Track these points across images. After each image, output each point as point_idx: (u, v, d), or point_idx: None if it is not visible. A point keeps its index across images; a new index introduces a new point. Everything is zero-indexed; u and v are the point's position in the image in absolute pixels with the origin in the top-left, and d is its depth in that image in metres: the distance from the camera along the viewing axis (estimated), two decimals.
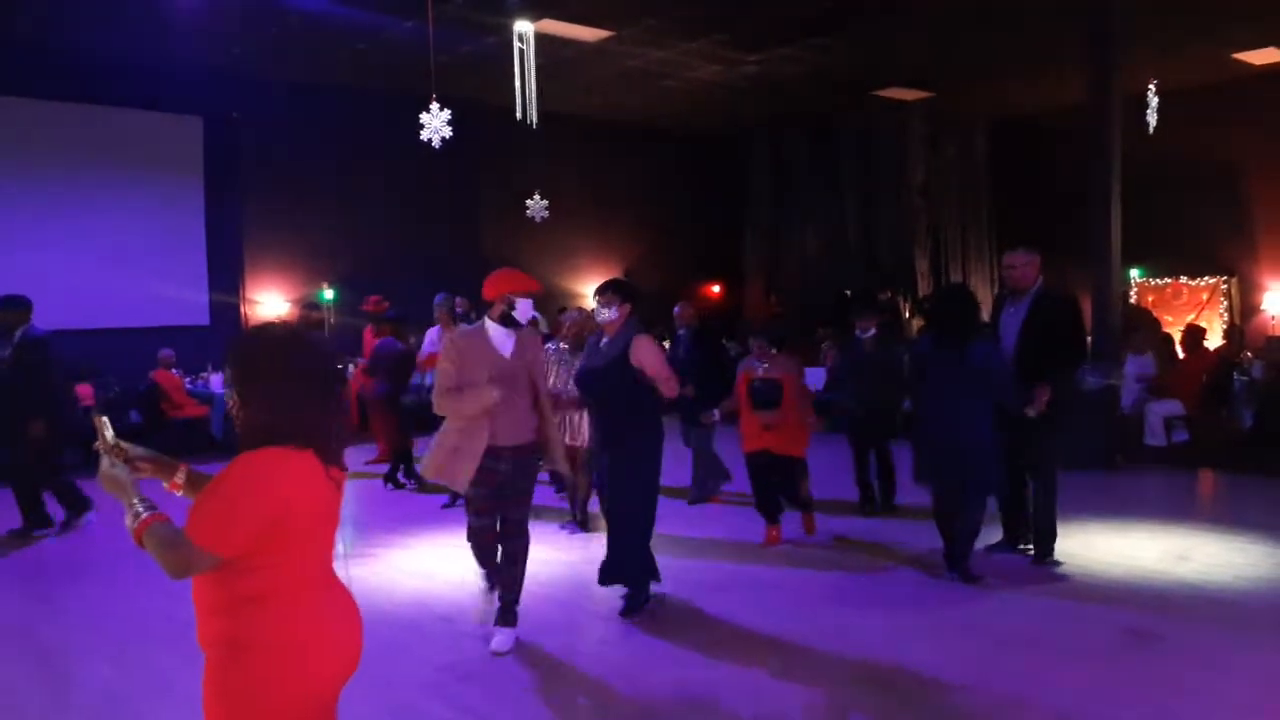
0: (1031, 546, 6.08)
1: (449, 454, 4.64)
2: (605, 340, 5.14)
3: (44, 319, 7.71)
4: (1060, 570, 5.90)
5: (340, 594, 2.29)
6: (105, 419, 2.23)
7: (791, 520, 6.80)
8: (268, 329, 2.30)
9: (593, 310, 5.36)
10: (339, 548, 6.69)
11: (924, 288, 15.28)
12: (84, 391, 10.58)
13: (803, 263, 16.62)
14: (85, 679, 4.59)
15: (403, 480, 9.11)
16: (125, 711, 4.21)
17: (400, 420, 9.14)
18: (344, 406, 2.30)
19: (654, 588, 5.33)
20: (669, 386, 5.00)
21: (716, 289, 17.38)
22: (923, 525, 6.37)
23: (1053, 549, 6.01)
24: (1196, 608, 5.23)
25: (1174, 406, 9.94)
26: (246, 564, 2.09)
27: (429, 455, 4.74)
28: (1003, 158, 15.57)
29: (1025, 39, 11.14)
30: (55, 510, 7.48)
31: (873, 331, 7.51)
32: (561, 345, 7.14)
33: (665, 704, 4.13)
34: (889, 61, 12.37)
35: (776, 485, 6.60)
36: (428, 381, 8.32)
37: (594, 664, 4.60)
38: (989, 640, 4.78)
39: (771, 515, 6.61)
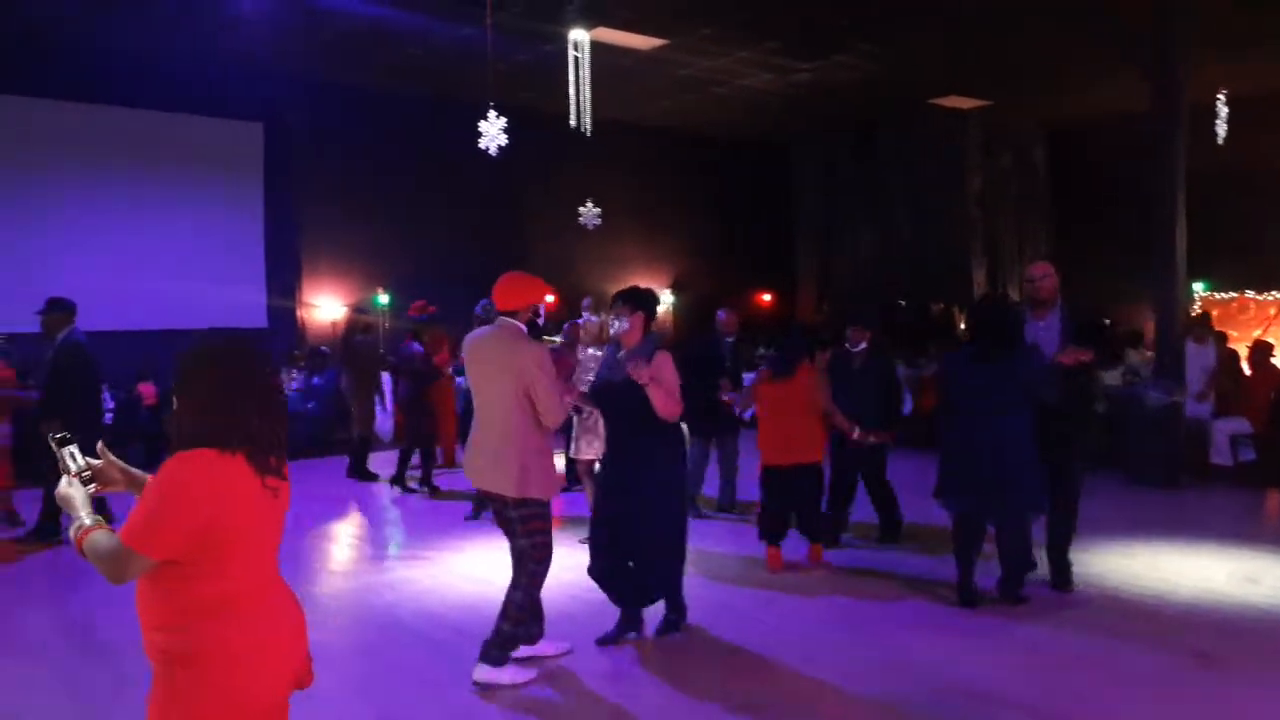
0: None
1: (548, 464, 4.43)
2: (623, 352, 4.86)
3: (107, 320, 7.90)
4: (1127, 591, 5.75)
5: (285, 604, 2.29)
6: (71, 449, 2.24)
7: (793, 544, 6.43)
8: (208, 337, 2.30)
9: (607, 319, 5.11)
10: (389, 549, 6.74)
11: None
12: (146, 390, 10.83)
13: (855, 271, 16.48)
14: (143, 671, 4.65)
15: (412, 486, 9.10)
16: None
17: (418, 422, 9.06)
18: (281, 417, 2.28)
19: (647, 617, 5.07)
20: (671, 405, 4.65)
21: (767, 297, 17.30)
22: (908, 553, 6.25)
23: (1071, 575, 5.78)
24: (1265, 632, 5.06)
25: (1241, 424, 9.66)
26: (186, 573, 2.10)
27: (523, 472, 4.28)
28: (1061, 167, 15.32)
29: (1088, 46, 10.93)
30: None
31: (863, 346, 6.91)
32: (591, 351, 6.92)
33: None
34: (946, 69, 12.23)
35: (792, 502, 6.28)
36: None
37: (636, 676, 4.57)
38: (1050, 662, 4.67)
39: (775, 536, 6.29)
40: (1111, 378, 10.66)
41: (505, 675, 4.35)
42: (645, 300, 4.91)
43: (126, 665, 4.82)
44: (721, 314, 8.18)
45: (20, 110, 11.26)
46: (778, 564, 6.22)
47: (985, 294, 13.65)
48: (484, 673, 4.33)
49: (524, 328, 4.42)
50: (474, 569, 6.45)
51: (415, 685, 4.45)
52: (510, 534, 4.42)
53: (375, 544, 7.47)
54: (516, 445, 4.30)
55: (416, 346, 9.02)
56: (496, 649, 4.34)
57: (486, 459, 4.36)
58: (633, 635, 4.96)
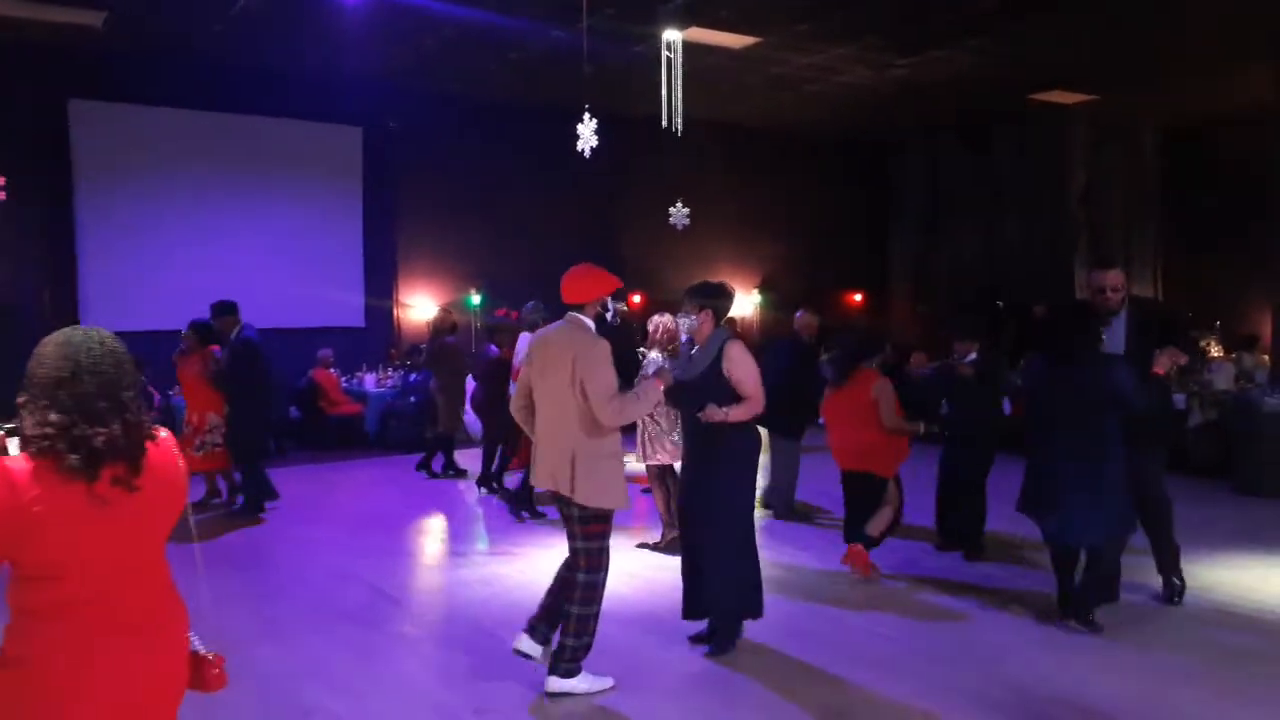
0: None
1: (618, 472, 4.30)
2: (696, 349, 4.79)
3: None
4: (1238, 606, 5.49)
5: (132, 617, 2.12)
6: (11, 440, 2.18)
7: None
8: (57, 333, 2.16)
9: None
10: (478, 545, 6.83)
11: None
12: None
13: (952, 272, 16.10)
14: (247, 657, 4.83)
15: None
16: (286, 689, 4.40)
17: (490, 424, 9.07)
18: (133, 422, 2.12)
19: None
20: (752, 406, 4.57)
21: (858, 298, 17.04)
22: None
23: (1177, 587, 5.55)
24: None
25: None
26: (18, 573, 2.06)
27: (605, 480, 4.21)
28: (1174, 164, 14.70)
29: (1204, 37, 10.47)
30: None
31: (973, 357, 6.67)
32: (655, 354, 6.60)
33: None
34: (1050, 63, 11.84)
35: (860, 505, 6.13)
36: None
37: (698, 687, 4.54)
38: (1155, 677, 4.48)
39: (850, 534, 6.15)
40: (1224, 381, 10.22)
41: (579, 684, 4.28)
42: (715, 292, 4.80)
43: (286, 644, 5.01)
44: (800, 314, 7.93)
45: (139, 118, 11.78)
46: (856, 561, 6.05)
47: (1069, 300, 13.15)
48: (556, 684, 4.27)
49: (590, 322, 4.32)
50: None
51: (510, 679, 4.49)
52: (570, 533, 4.34)
53: (464, 540, 7.58)
54: (582, 448, 4.18)
55: (493, 349, 9.14)
56: (564, 663, 4.27)
57: (552, 459, 4.25)
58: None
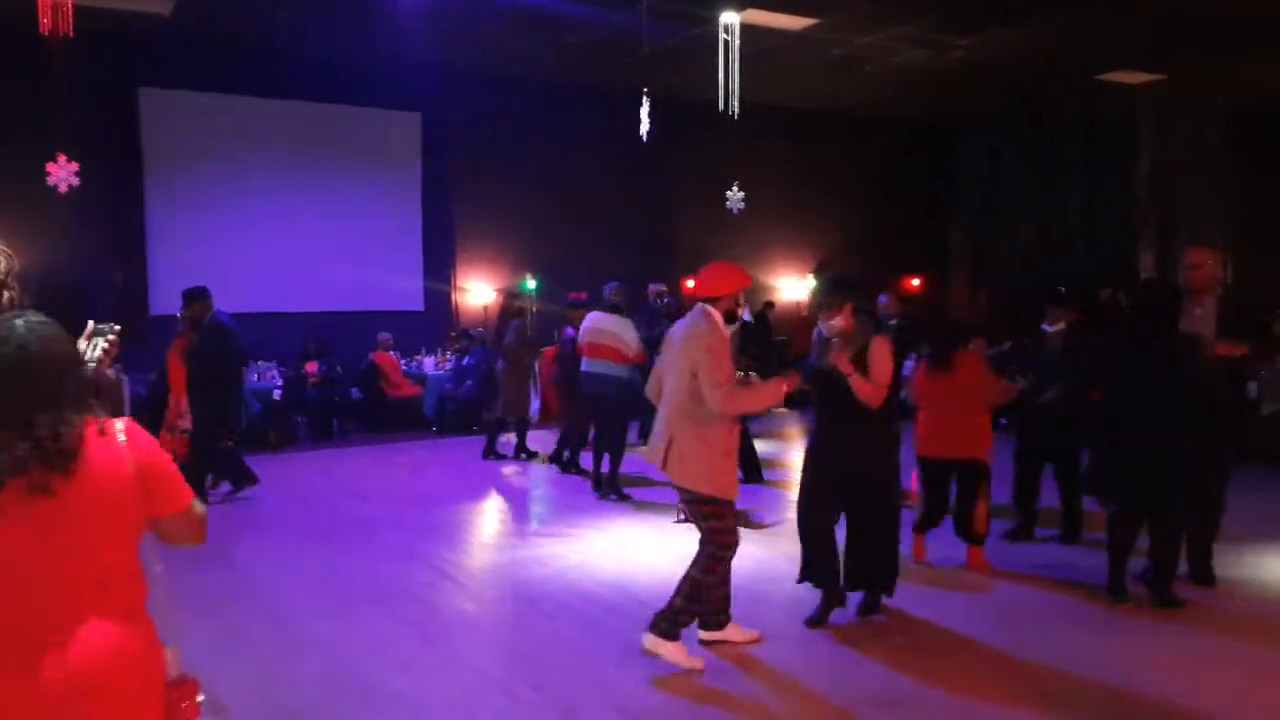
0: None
1: (727, 461, 4.41)
2: (835, 338, 4.81)
3: (278, 301, 8.44)
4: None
5: (18, 654, 1.79)
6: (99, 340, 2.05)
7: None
8: None
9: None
10: (536, 525, 6.89)
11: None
12: (311, 369, 11.44)
13: (1014, 256, 15.81)
14: (311, 633, 4.95)
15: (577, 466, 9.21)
16: (348, 665, 4.51)
17: (569, 405, 9.25)
18: (30, 435, 1.80)
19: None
20: (878, 392, 4.64)
21: (916, 283, 16.81)
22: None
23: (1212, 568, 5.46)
24: None
25: None
26: None
27: (700, 466, 4.32)
28: (1242, 146, 14.26)
29: (1276, 11, 10.12)
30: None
31: (1062, 326, 6.45)
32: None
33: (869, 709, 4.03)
34: (1115, 42, 11.55)
35: (944, 496, 6.03)
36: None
37: (789, 662, 4.55)
38: (1224, 666, 4.39)
39: (922, 528, 6.08)
40: None
41: (670, 650, 4.35)
42: (850, 288, 4.90)
43: (347, 620, 5.13)
44: (883, 298, 7.98)
45: (206, 106, 12.05)
46: (921, 555, 6.01)
47: (1148, 278, 12.86)
48: (650, 641, 4.39)
49: (717, 315, 4.42)
50: (620, 549, 6.54)
51: (569, 659, 4.55)
52: (692, 513, 4.58)
53: (522, 520, 7.67)
54: (687, 430, 4.33)
55: (570, 331, 9.18)
56: (666, 621, 4.37)
57: (674, 451, 4.38)
58: (837, 613, 4.96)
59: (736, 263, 4.85)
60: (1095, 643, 4.70)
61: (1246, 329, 5.36)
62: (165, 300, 11.74)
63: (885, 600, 5.07)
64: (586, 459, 8.82)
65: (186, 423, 8.04)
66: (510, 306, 10.08)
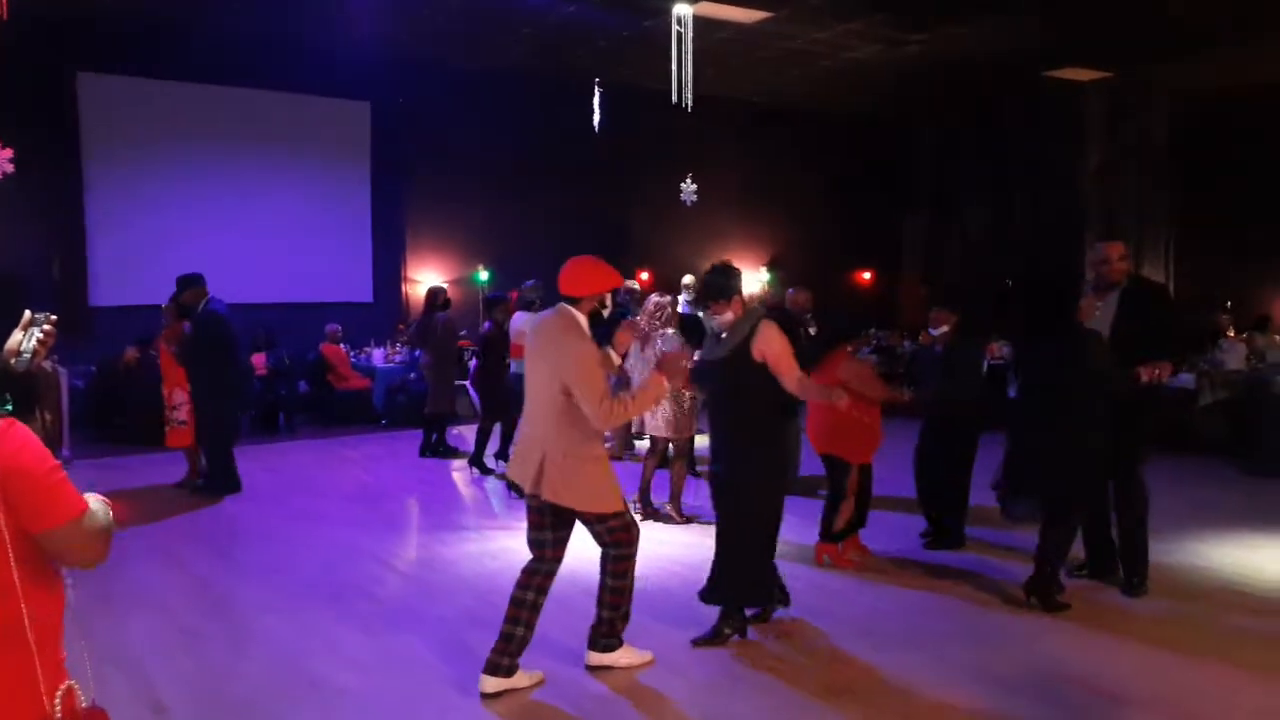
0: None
1: (606, 468, 4.13)
2: (725, 332, 4.60)
3: (223, 292, 8.27)
4: (1248, 587, 5.48)
5: None
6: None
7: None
8: None
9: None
10: (484, 520, 6.79)
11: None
12: (258, 361, 11.24)
13: (964, 251, 16.01)
14: (260, 632, 4.86)
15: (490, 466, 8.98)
16: (294, 661, 4.43)
17: (488, 400, 8.98)
18: None
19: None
20: (794, 383, 4.41)
21: (867, 276, 16.97)
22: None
23: (1146, 576, 5.33)
24: None
25: None
26: None
27: (584, 482, 4.03)
28: (1188, 142, 14.57)
29: (1220, 8, 10.33)
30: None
31: (944, 329, 6.32)
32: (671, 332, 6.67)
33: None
34: (1064, 39, 11.72)
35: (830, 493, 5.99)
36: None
37: (742, 658, 4.57)
38: (1166, 654, 4.48)
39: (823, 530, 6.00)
40: (1235, 361, 10.17)
41: (617, 658, 4.29)
42: (734, 276, 4.59)
43: (297, 619, 5.03)
44: (791, 291, 7.81)
45: (147, 92, 11.77)
46: (833, 558, 5.96)
47: (1041, 272, 13.01)
48: (595, 659, 4.29)
49: (582, 318, 4.07)
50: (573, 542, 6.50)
51: (527, 653, 4.51)
52: (587, 526, 4.22)
53: (471, 515, 7.58)
54: (558, 446, 3.99)
55: (488, 325, 9.04)
56: (603, 636, 4.28)
57: (523, 452, 4.11)
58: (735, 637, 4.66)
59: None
60: (1032, 630, 4.77)
61: (1164, 327, 5.32)
62: (105, 291, 11.49)
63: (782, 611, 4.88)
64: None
65: (183, 414, 7.94)
66: (437, 298, 9.90)
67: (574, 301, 4.09)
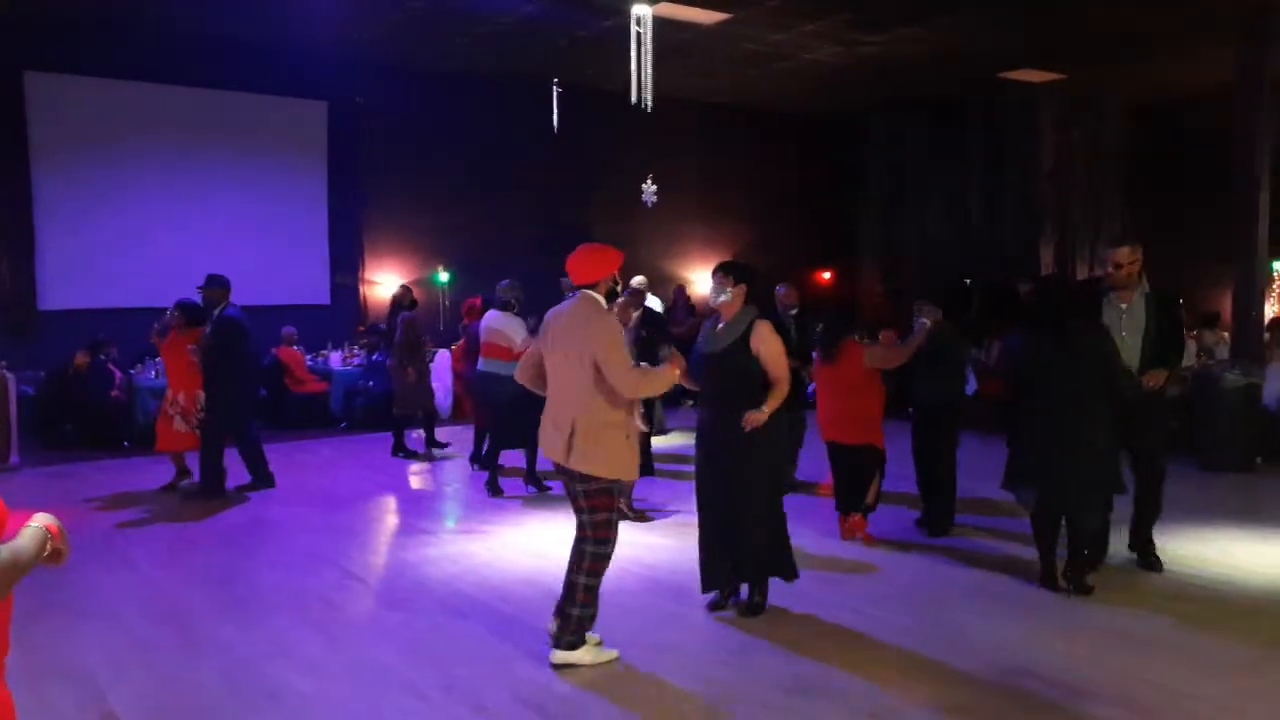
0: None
1: (631, 443, 4.39)
2: (721, 324, 4.93)
3: (173, 296, 8.18)
4: (1200, 579, 5.59)
5: None
6: None
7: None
8: None
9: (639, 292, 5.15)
10: (447, 523, 6.80)
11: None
12: None
13: (921, 250, 16.16)
14: (213, 640, 4.78)
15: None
16: (251, 669, 4.36)
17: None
18: None
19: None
20: (782, 389, 4.76)
21: (827, 275, 17.08)
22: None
23: (1157, 555, 5.76)
24: None
25: None
26: None
27: (606, 450, 4.26)
28: (1139, 143, 14.84)
29: (1169, 16, 10.54)
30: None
31: (927, 324, 6.49)
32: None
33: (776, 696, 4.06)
34: (1019, 42, 11.89)
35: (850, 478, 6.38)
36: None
37: (703, 653, 4.57)
38: (1120, 645, 4.55)
39: (845, 506, 6.41)
40: (1185, 358, 10.35)
41: (584, 656, 4.32)
42: (750, 273, 4.98)
43: (250, 628, 4.95)
44: (781, 289, 8.03)
45: (97, 91, 11.54)
46: (849, 534, 6.36)
47: (1048, 275, 13.34)
48: (560, 657, 4.31)
49: (601, 300, 4.39)
50: (532, 543, 6.49)
51: (481, 657, 4.48)
52: (576, 508, 4.39)
53: (432, 518, 7.52)
54: (589, 418, 4.25)
55: (474, 327, 9.03)
56: (569, 634, 4.31)
57: (558, 431, 4.32)
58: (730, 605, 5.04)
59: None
60: (994, 624, 4.82)
61: (1176, 338, 5.64)
62: (54, 294, 11.24)
63: (785, 584, 5.10)
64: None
65: (189, 418, 7.92)
66: (404, 298, 9.84)
67: (591, 287, 4.40)
